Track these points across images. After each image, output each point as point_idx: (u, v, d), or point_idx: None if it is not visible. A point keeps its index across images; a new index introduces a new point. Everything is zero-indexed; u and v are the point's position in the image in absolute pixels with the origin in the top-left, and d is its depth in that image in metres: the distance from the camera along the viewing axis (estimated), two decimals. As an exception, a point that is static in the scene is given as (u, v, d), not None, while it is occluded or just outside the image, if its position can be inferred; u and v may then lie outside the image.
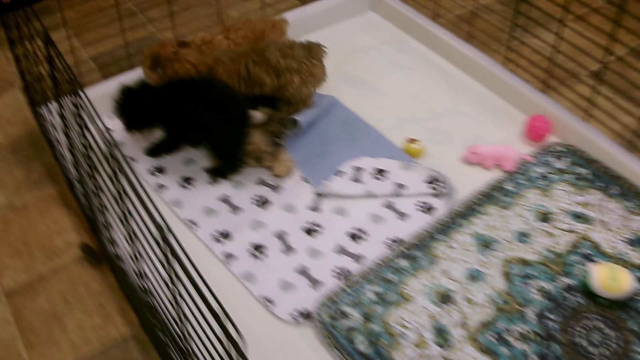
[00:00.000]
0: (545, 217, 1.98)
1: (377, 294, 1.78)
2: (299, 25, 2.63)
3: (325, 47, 2.21)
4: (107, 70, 2.58)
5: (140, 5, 2.98)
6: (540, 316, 1.74)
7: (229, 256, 1.89)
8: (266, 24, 2.34)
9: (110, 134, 1.21)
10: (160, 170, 2.16)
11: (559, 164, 2.12)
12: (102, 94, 2.28)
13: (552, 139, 2.21)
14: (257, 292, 1.81)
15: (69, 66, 1.39)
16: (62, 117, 1.64)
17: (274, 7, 2.84)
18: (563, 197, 2.03)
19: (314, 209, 2.01)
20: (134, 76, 2.29)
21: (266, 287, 1.82)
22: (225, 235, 1.95)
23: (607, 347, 1.70)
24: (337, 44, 2.62)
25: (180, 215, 2.02)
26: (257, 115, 2.04)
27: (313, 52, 2.18)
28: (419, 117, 2.30)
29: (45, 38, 1.51)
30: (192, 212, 2.02)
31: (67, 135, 1.72)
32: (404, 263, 1.85)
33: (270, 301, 1.78)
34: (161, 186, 2.11)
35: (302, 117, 2.18)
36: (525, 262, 1.86)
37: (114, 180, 1.24)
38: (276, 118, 2.10)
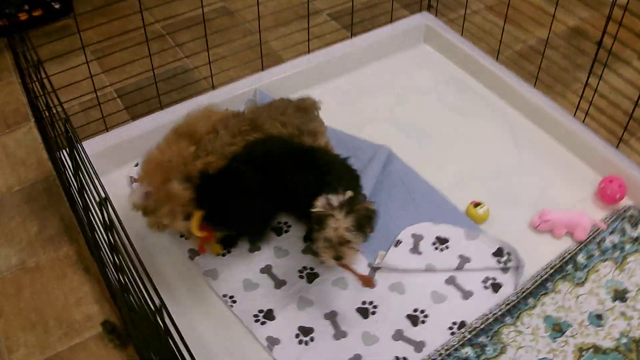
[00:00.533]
0: (620, 295, 1.85)
1: (442, 387, 1.69)
2: (347, 60, 2.50)
3: (319, 102, 2.05)
4: (133, 110, 2.38)
5: (167, 28, 2.84)
6: (617, 414, 1.64)
7: (272, 341, 1.75)
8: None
9: (107, 201, 1.05)
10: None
11: (634, 232, 1.98)
12: (127, 138, 2.18)
13: (626, 201, 2.06)
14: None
15: (62, 110, 1.23)
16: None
17: (321, 39, 2.70)
18: (638, 271, 1.89)
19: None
20: (164, 117, 2.20)
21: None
22: (268, 315, 1.81)
23: None
24: (389, 82, 2.49)
25: (216, 289, 1.86)
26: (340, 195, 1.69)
27: (308, 111, 2.03)
28: (481, 175, 2.17)
29: (36, 70, 1.31)
30: (230, 286, 1.86)
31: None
32: (468, 351, 1.75)
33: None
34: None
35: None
36: (598, 350, 1.75)
37: (112, 253, 1.11)
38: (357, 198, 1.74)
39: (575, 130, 2.20)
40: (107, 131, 2.20)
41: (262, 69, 2.44)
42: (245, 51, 2.65)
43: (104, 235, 1.13)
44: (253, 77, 2.40)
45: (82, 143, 1.28)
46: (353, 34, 2.62)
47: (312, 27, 2.52)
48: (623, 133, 2.15)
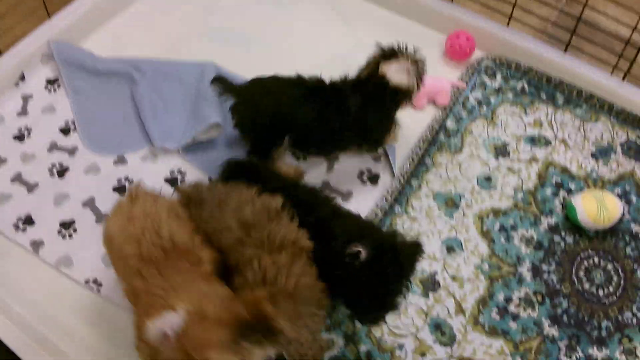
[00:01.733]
0: (502, 150, 1.70)
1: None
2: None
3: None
4: None
5: None
6: (535, 271, 1.50)
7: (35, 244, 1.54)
8: None
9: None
10: None
11: (494, 83, 1.83)
12: None
13: (477, 53, 1.90)
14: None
15: None
16: None
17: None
18: (511, 121, 1.76)
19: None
20: None
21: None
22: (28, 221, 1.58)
23: (611, 283, 1.49)
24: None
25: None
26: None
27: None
28: (320, 64, 1.88)
29: None
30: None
31: None
32: (369, 255, 1.51)
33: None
34: None
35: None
36: (499, 212, 1.59)
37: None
38: None
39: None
40: None
41: (49, 16, 1.97)
42: (24, 2, 2.13)
43: None
44: (41, 28, 1.92)
45: None
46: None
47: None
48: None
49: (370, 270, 1.17)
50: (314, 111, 1.48)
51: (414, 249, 1.22)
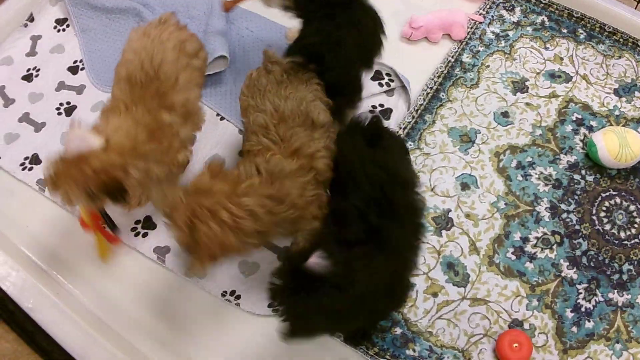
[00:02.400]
0: (520, 85, 1.61)
1: (361, 241, 1.38)
2: None
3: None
4: None
5: None
6: (553, 210, 1.43)
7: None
8: None
9: None
10: None
11: (513, 17, 1.74)
12: None
13: (494, -14, 1.80)
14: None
15: None
16: None
17: None
18: (530, 56, 1.67)
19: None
20: None
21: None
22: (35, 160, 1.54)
23: (633, 224, 1.42)
24: None
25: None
26: None
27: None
28: None
29: None
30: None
31: None
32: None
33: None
34: None
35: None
36: (516, 149, 1.51)
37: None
38: None
39: None
40: None
41: None
42: None
43: None
44: None
45: None
46: None
47: None
48: None
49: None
50: None
51: None
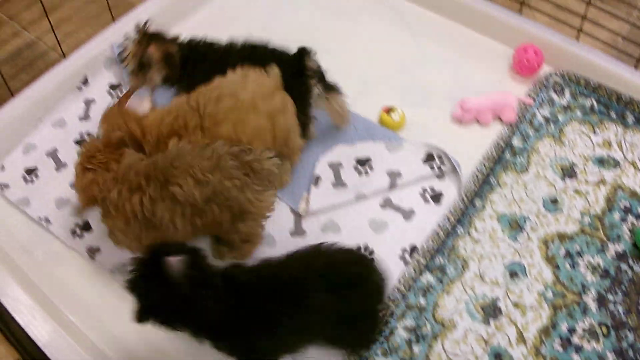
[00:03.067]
0: (569, 171, 1.65)
1: (409, 329, 1.43)
2: None
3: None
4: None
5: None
6: (601, 301, 1.46)
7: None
8: None
9: None
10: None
11: (562, 100, 1.78)
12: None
13: (545, 68, 1.85)
14: None
15: None
16: None
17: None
18: (579, 141, 1.70)
19: (298, 233, 1.59)
20: (19, 105, 1.75)
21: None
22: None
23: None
24: (252, 1, 2.11)
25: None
26: None
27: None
28: (386, 77, 1.87)
29: None
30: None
31: None
32: (429, 279, 1.49)
33: None
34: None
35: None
36: (564, 237, 1.55)
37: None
38: None
39: (470, 4, 1.94)
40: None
41: (113, 20, 1.98)
42: (89, 5, 2.16)
43: None
44: (105, 32, 1.94)
45: None
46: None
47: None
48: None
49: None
50: None
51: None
